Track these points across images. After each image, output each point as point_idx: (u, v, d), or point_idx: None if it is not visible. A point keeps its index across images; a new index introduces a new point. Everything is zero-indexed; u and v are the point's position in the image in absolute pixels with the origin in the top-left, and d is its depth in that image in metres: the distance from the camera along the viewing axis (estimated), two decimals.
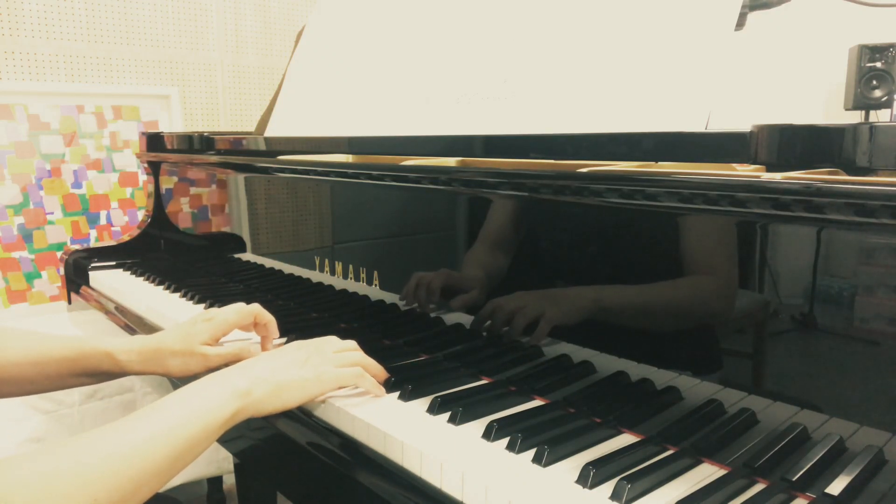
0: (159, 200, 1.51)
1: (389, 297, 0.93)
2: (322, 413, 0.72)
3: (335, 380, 0.72)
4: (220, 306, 1.05)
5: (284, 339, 0.92)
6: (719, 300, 0.62)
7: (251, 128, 1.75)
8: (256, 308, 0.88)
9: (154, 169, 1.51)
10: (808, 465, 0.53)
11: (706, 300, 0.63)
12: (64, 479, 0.53)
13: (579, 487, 0.55)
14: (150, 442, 0.59)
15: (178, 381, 1.00)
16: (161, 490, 0.64)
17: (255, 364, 0.71)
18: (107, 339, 0.85)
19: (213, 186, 1.32)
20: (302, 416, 0.73)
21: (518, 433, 0.61)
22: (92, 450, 0.57)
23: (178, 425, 0.61)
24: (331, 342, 0.76)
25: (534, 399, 0.72)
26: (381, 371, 0.76)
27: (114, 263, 1.46)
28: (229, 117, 2.19)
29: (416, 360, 0.84)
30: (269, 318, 0.89)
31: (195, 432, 0.62)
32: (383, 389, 0.74)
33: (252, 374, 0.69)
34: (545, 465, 0.58)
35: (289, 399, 0.70)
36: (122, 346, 0.84)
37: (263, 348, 0.89)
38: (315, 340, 0.77)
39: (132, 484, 0.57)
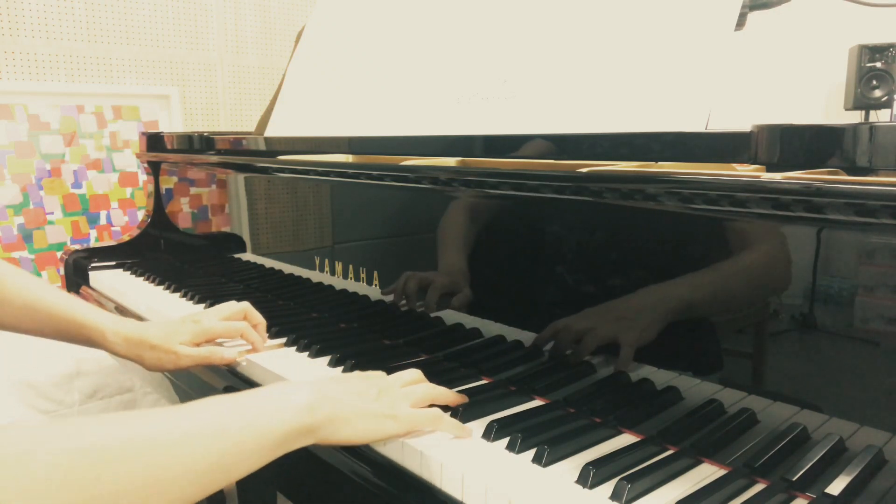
0: (159, 200, 1.51)
1: (389, 297, 0.93)
2: None
3: (412, 421, 0.63)
4: None
5: (284, 340, 0.92)
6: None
7: (251, 128, 1.75)
8: (244, 326, 0.88)
9: (154, 169, 1.51)
10: (808, 465, 0.53)
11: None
12: (43, 457, 0.44)
13: (579, 487, 0.55)
14: (180, 441, 0.50)
15: (178, 381, 1.01)
16: None
17: (321, 383, 0.63)
18: (101, 314, 0.87)
19: (213, 186, 1.32)
20: None
21: (518, 433, 0.61)
22: (101, 431, 0.48)
23: (222, 431, 0.53)
24: (395, 377, 0.68)
25: (534, 399, 0.72)
26: (453, 396, 0.68)
27: (114, 263, 1.46)
28: (229, 117, 2.19)
29: (416, 360, 0.83)
30: (259, 320, 0.90)
31: (240, 444, 0.53)
32: (468, 430, 0.64)
33: (319, 390, 0.60)
34: (545, 465, 0.58)
35: (363, 431, 0.61)
36: (113, 326, 0.86)
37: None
38: (377, 374, 0.68)
39: (147, 481, 0.48)
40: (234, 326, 0.88)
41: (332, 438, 0.60)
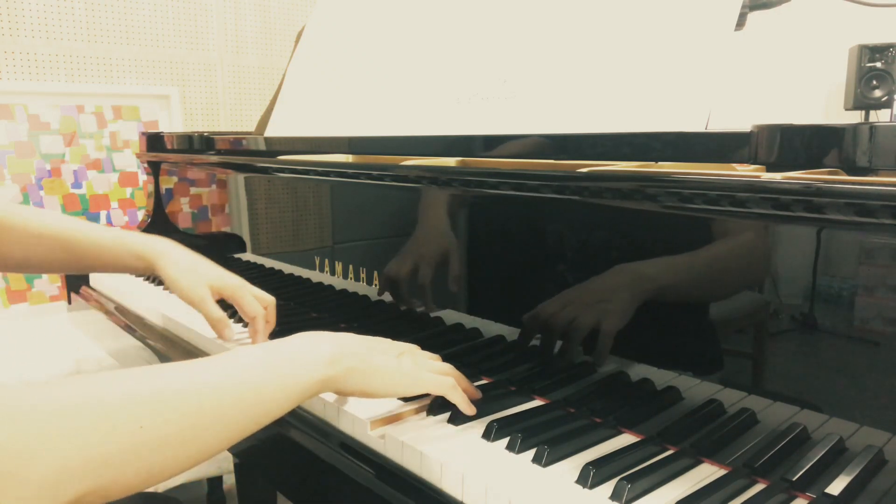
0: (159, 200, 1.51)
1: (389, 297, 0.93)
2: (321, 412, 0.72)
3: (429, 384, 0.66)
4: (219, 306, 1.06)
5: None
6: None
7: (251, 128, 1.76)
8: (261, 314, 0.89)
9: (154, 169, 1.51)
10: (808, 465, 0.53)
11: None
12: (93, 403, 0.47)
13: (579, 487, 0.55)
14: (216, 386, 0.53)
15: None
16: (161, 489, 0.62)
17: (346, 337, 0.65)
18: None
19: (213, 186, 1.32)
20: (302, 412, 0.73)
21: (518, 433, 0.61)
22: (145, 379, 0.51)
23: (251, 378, 0.55)
24: (422, 351, 0.72)
25: (534, 399, 0.72)
26: (471, 388, 0.69)
27: None
28: (229, 117, 2.19)
29: None
30: (273, 320, 0.91)
31: (268, 390, 0.56)
32: (474, 408, 0.67)
33: (341, 343, 0.63)
34: (545, 465, 0.58)
35: (375, 385, 0.64)
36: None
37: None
38: (403, 343, 0.71)
39: (186, 425, 0.50)
40: (255, 308, 0.89)
41: (347, 389, 0.63)
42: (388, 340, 0.70)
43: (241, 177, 1.23)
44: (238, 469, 1.59)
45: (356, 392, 0.64)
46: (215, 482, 1.73)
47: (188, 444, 0.51)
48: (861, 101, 2.11)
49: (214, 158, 1.30)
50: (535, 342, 0.76)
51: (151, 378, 0.51)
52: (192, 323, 1.01)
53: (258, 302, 0.89)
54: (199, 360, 0.56)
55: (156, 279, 1.29)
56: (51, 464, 0.43)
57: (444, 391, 0.66)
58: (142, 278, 1.34)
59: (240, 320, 1.00)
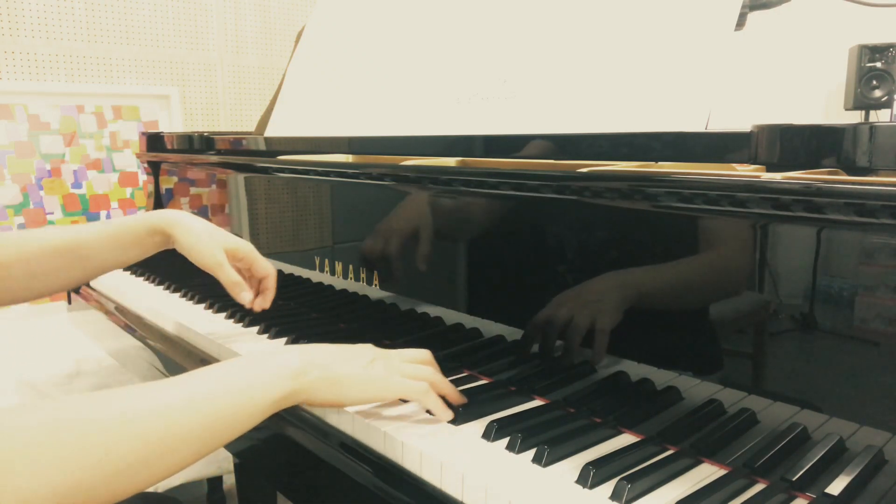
0: (159, 200, 1.51)
1: (389, 297, 0.93)
2: (321, 412, 0.72)
3: (401, 389, 0.65)
4: (219, 307, 1.06)
5: (284, 340, 0.92)
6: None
7: (251, 128, 1.76)
8: (272, 275, 0.92)
9: (154, 169, 1.51)
10: (808, 465, 0.53)
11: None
12: (65, 429, 0.48)
13: (579, 487, 0.55)
14: (181, 408, 0.54)
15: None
16: (161, 489, 0.63)
17: (314, 348, 0.67)
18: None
19: (213, 186, 1.32)
20: (302, 412, 0.73)
21: (518, 433, 0.61)
22: (109, 404, 0.51)
23: (217, 395, 0.56)
24: (402, 352, 0.71)
25: (534, 399, 0.72)
26: (453, 392, 0.68)
27: None
28: (229, 117, 2.19)
29: None
30: (271, 291, 0.93)
31: (235, 406, 0.57)
32: (450, 413, 0.66)
33: (308, 356, 0.64)
34: (545, 466, 0.58)
35: (346, 394, 0.64)
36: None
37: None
38: (381, 350, 0.71)
39: (152, 448, 0.51)
40: (267, 266, 0.92)
41: (316, 400, 0.64)
42: (364, 347, 0.69)
43: (241, 177, 1.23)
44: (238, 469, 1.58)
45: (326, 402, 0.65)
46: (215, 482, 1.73)
47: (154, 466, 0.52)
48: (861, 101, 2.11)
49: (214, 158, 1.30)
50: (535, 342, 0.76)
51: (116, 403, 0.52)
52: (192, 323, 1.01)
53: (264, 272, 0.92)
54: (165, 380, 0.57)
55: (156, 279, 1.29)
56: (17, 493, 0.43)
57: (415, 397, 0.65)
58: (142, 278, 1.34)
59: (239, 320, 1.00)
